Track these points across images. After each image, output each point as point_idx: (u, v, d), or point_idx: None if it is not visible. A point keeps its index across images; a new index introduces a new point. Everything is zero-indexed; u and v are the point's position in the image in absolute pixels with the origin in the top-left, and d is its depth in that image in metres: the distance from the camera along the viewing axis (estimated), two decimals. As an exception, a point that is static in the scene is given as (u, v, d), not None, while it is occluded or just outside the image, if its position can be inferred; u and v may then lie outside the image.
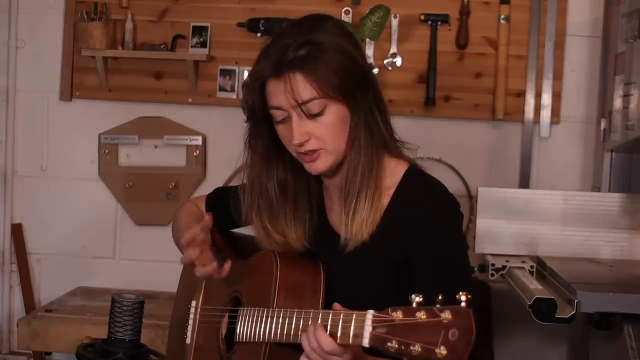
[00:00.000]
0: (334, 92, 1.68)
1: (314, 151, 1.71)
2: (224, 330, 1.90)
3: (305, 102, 1.67)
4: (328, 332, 1.55)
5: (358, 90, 1.70)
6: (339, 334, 1.54)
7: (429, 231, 1.71)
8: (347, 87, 1.69)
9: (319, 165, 1.73)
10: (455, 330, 1.32)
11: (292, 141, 1.71)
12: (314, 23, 1.74)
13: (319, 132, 1.70)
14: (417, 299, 1.38)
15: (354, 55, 1.71)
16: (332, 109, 1.69)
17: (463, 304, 1.34)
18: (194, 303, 2.00)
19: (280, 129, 1.74)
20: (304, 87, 1.67)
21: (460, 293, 1.34)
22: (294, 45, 1.68)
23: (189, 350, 1.98)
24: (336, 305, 1.59)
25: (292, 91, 1.67)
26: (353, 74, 1.69)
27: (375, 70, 3.24)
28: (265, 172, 1.82)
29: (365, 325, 1.45)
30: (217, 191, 2.14)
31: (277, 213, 1.82)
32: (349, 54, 1.70)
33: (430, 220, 1.72)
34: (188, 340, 1.99)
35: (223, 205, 2.00)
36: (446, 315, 1.34)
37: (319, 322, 1.58)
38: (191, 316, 2.00)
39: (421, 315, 1.36)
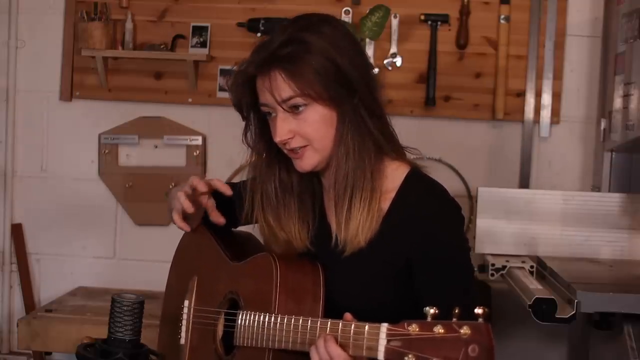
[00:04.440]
0: (315, 93, 1.68)
1: (300, 148, 1.72)
2: (220, 332, 1.89)
3: (284, 100, 1.69)
4: (339, 343, 1.55)
5: (342, 93, 1.70)
6: (350, 346, 1.53)
7: (430, 234, 1.71)
8: (330, 91, 1.69)
9: (305, 164, 1.74)
10: (475, 346, 1.32)
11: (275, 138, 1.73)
12: (308, 22, 1.74)
13: (303, 130, 1.71)
14: (432, 311, 1.38)
15: (340, 62, 1.69)
16: (315, 108, 1.70)
17: (481, 320, 1.34)
18: (186, 302, 1.99)
19: (271, 125, 1.75)
20: (283, 86, 1.68)
21: (478, 308, 1.34)
22: (279, 42, 1.69)
23: (183, 351, 1.97)
24: (347, 316, 1.58)
25: (272, 89, 1.68)
26: (336, 81, 1.69)
27: (376, 70, 3.24)
28: (266, 170, 1.82)
29: (380, 339, 1.45)
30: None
31: (281, 211, 1.82)
32: (334, 60, 1.69)
33: (432, 224, 1.72)
34: (182, 341, 1.98)
35: (224, 201, 1.99)
36: (465, 330, 1.33)
37: (328, 331, 1.58)
38: (184, 316, 1.99)
39: (439, 329, 1.36)
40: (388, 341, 1.43)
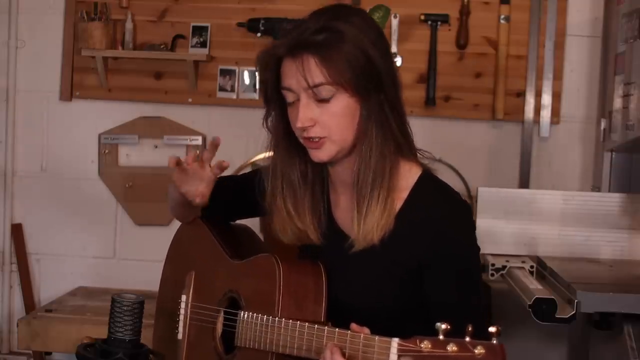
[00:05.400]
0: (345, 82, 1.67)
1: (318, 139, 1.70)
2: (219, 330, 1.89)
3: (315, 86, 1.67)
4: (347, 354, 1.53)
5: (370, 87, 1.69)
6: (359, 358, 1.51)
7: (442, 235, 1.70)
8: (359, 81, 1.68)
9: (322, 154, 1.72)
10: None
11: (296, 124, 1.71)
12: (340, 12, 1.73)
13: (324, 119, 1.69)
14: (444, 327, 1.34)
15: (371, 54, 1.69)
16: (342, 98, 1.68)
17: (494, 339, 1.32)
18: (183, 297, 1.98)
19: (290, 112, 1.73)
20: (316, 71, 1.66)
21: (492, 327, 1.32)
22: (314, 28, 1.68)
23: (181, 346, 1.97)
24: (354, 326, 1.56)
25: (304, 73, 1.66)
26: (366, 72, 1.68)
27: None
28: (288, 159, 1.80)
29: (391, 354, 1.42)
30: (222, 177, 2.13)
31: (300, 201, 1.80)
32: (366, 51, 1.68)
33: (444, 224, 1.71)
34: (180, 336, 1.98)
35: (229, 191, 1.98)
36: (479, 350, 1.31)
37: (335, 341, 1.56)
38: (181, 311, 1.98)
39: (452, 347, 1.33)
40: (399, 357, 1.40)
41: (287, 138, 1.78)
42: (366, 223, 1.70)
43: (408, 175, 1.76)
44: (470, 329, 1.33)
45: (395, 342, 1.42)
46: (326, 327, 1.61)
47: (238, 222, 2.13)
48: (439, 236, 1.70)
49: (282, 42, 1.70)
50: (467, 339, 1.32)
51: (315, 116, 1.69)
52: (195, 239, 2.04)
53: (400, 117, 1.75)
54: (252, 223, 2.14)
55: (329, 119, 1.69)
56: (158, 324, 2.13)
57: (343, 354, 1.54)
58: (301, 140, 1.73)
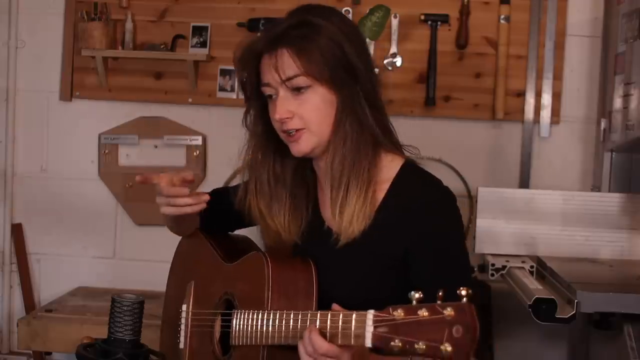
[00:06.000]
0: (319, 74, 1.70)
1: (297, 131, 1.72)
2: (217, 334, 1.89)
3: (289, 78, 1.70)
4: (328, 334, 1.55)
5: (345, 80, 1.71)
6: (339, 335, 1.53)
7: (431, 224, 1.71)
8: (334, 73, 1.70)
9: (302, 146, 1.74)
10: (459, 327, 1.32)
11: (274, 117, 1.73)
12: (317, 9, 1.77)
13: (302, 111, 1.72)
14: (417, 295, 1.38)
15: (346, 48, 1.72)
16: (317, 90, 1.71)
17: (464, 300, 1.34)
18: (184, 307, 1.99)
19: (270, 108, 1.76)
20: (289, 64, 1.70)
21: (461, 288, 1.34)
22: (290, 24, 1.72)
23: (183, 356, 1.98)
24: (335, 306, 1.58)
25: (278, 66, 1.70)
26: (341, 65, 1.71)
27: (376, 70, 3.24)
28: (262, 159, 1.83)
29: (367, 326, 1.44)
30: (215, 190, 2.14)
31: (273, 200, 1.83)
32: (341, 45, 1.71)
33: (432, 213, 1.72)
34: (182, 345, 1.99)
35: (222, 202, 1.99)
36: (449, 311, 1.33)
37: (317, 323, 1.58)
38: (183, 320, 1.99)
39: (423, 312, 1.36)
40: (375, 327, 1.43)
41: (264, 137, 1.82)
42: (344, 214, 1.72)
43: (390, 167, 1.78)
44: (440, 293, 1.35)
45: (370, 314, 1.45)
46: (309, 312, 1.63)
47: (239, 232, 2.14)
48: (423, 223, 1.71)
49: (260, 38, 1.74)
50: (438, 302, 1.35)
51: (292, 108, 1.72)
52: (195, 250, 2.06)
53: (378, 111, 1.77)
54: (253, 230, 2.14)
55: (306, 111, 1.72)
56: (163, 337, 2.14)
57: (324, 335, 1.55)
58: (282, 136, 1.76)
